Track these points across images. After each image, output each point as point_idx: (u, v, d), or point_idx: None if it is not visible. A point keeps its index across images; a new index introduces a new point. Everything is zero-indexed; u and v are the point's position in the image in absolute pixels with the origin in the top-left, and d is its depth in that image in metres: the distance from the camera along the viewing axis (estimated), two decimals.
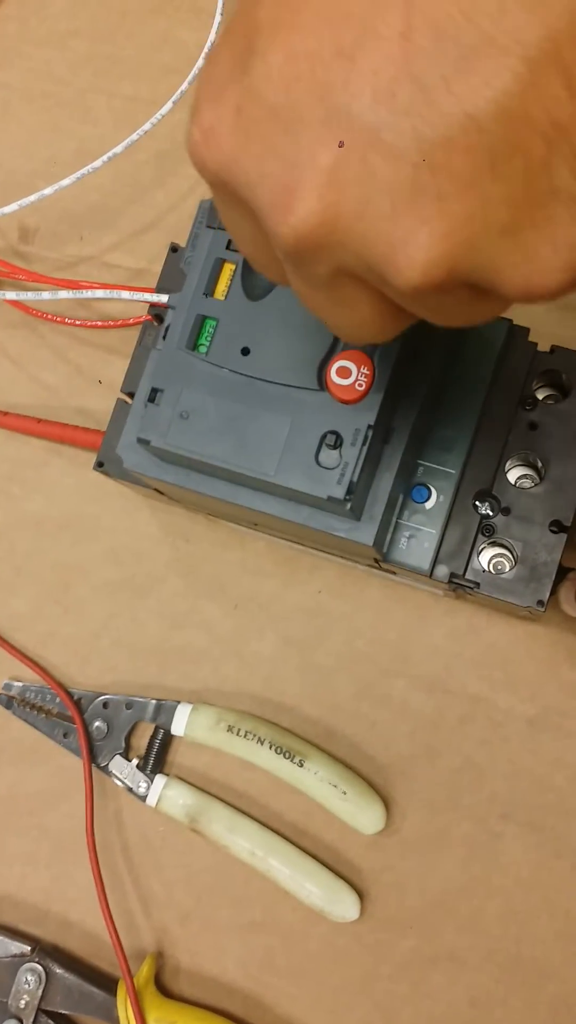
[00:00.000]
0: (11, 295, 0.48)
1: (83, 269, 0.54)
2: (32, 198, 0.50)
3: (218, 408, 0.36)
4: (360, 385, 0.35)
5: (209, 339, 0.37)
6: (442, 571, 0.41)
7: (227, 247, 0.36)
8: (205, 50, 0.53)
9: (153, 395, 0.37)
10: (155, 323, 0.46)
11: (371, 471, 0.37)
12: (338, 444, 0.35)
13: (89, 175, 0.50)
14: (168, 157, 0.54)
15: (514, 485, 0.42)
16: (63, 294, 0.47)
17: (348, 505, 0.35)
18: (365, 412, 0.35)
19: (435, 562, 0.41)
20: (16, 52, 0.57)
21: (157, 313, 0.45)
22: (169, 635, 0.50)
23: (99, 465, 0.46)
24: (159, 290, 0.45)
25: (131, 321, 0.52)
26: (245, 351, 0.36)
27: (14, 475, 0.53)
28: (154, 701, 0.49)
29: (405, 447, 0.38)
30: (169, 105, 0.51)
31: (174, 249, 0.46)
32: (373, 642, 0.48)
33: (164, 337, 0.38)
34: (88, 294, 0.46)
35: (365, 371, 0.35)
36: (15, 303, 0.52)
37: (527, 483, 0.42)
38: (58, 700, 0.50)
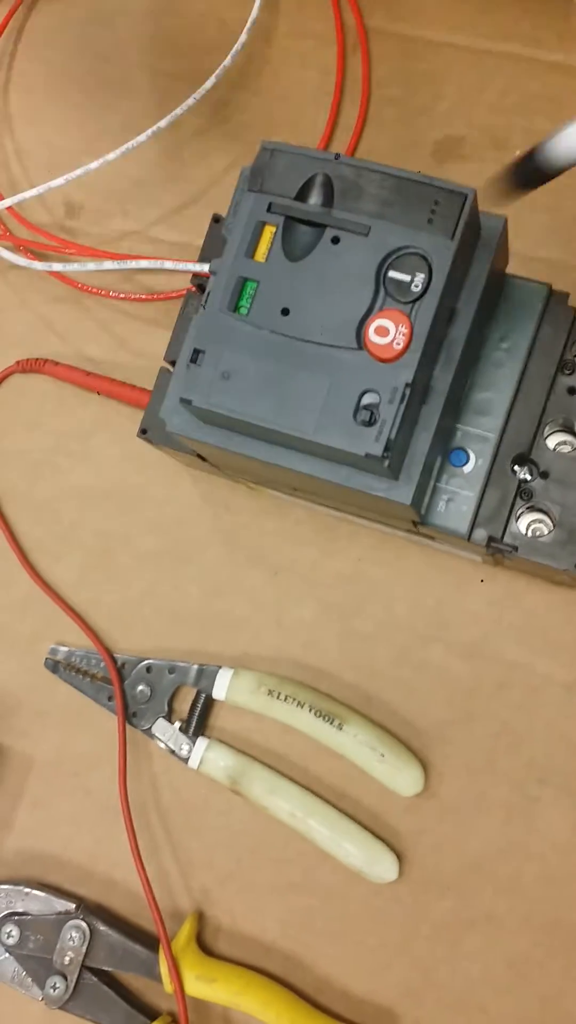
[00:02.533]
0: (57, 267, 0.49)
1: (127, 244, 0.55)
2: (78, 172, 0.51)
3: (258, 368, 0.36)
4: (398, 344, 0.35)
5: (250, 301, 0.37)
6: (480, 534, 0.42)
7: (267, 210, 0.37)
8: (247, 27, 0.53)
9: (195, 356, 0.37)
10: (197, 293, 0.46)
11: (409, 431, 0.37)
12: (376, 402, 0.36)
13: (133, 151, 0.51)
14: (210, 133, 0.55)
15: (552, 449, 0.42)
16: (107, 264, 0.48)
17: (386, 463, 0.36)
18: (403, 370, 0.35)
19: (473, 525, 0.42)
20: (62, 31, 0.58)
21: (199, 283, 0.46)
22: (211, 602, 0.51)
23: (143, 432, 0.47)
24: (201, 260, 0.46)
25: (174, 294, 0.53)
26: (285, 312, 0.37)
27: (60, 447, 0.54)
28: (196, 666, 0.50)
29: (443, 408, 0.38)
30: (212, 80, 0.52)
31: (216, 219, 0.46)
32: (412, 608, 0.49)
33: (205, 303, 0.39)
34: (132, 264, 0.47)
35: (403, 330, 0.35)
36: (60, 276, 0.53)
37: (566, 448, 0.42)
38: (102, 664, 0.51)
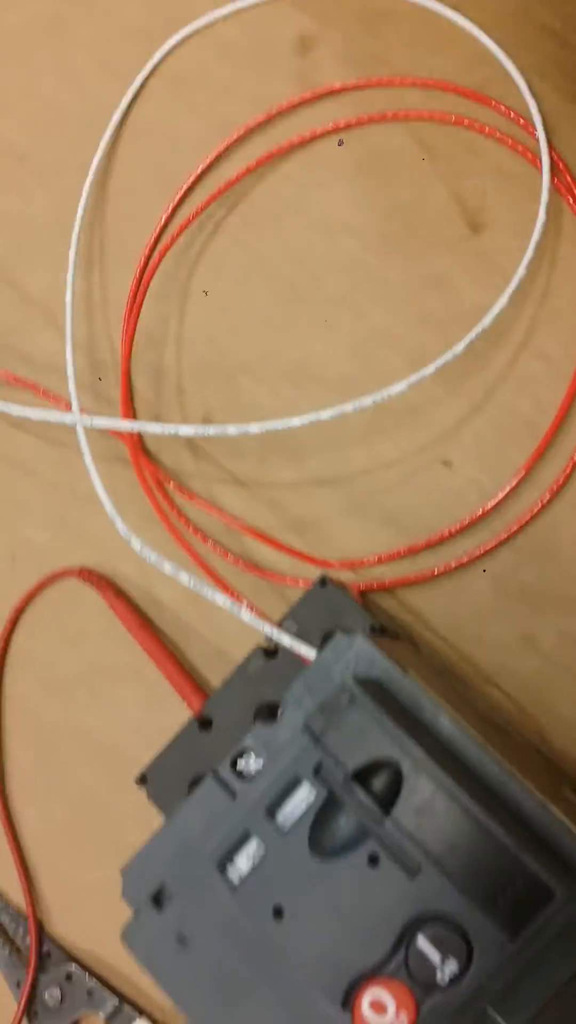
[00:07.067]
0: (135, 544, 0.42)
1: (246, 492, 0.47)
2: (210, 431, 0.43)
3: (221, 958, 0.29)
4: None
5: (247, 867, 0.30)
6: None
7: (313, 771, 0.29)
8: (492, 314, 0.43)
9: (158, 896, 0.30)
10: (265, 657, 0.39)
11: None
12: None
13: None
14: (380, 425, 0.45)
15: None
16: (183, 577, 0.40)
17: None
18: None
19: None
20: (282, 222, 0.48)
21: (274, 647, 0.39)
22: None
23: (141, 780, 0.40)
24: (284, 626, 0.39)
25: (271, 575, 0.46)
26: (278, 912, 0.29)
27: (86, 680, 0.48)
28: (116, 1001, 0.44)
29: None
30: (403, 386, 0.42)
31: (326, 636, 0.39)
32: None
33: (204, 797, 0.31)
34: (208, 591, 0.40)
35: (404, 1019, 0.27)
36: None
37: None
38: (27, 941, 0.46)
